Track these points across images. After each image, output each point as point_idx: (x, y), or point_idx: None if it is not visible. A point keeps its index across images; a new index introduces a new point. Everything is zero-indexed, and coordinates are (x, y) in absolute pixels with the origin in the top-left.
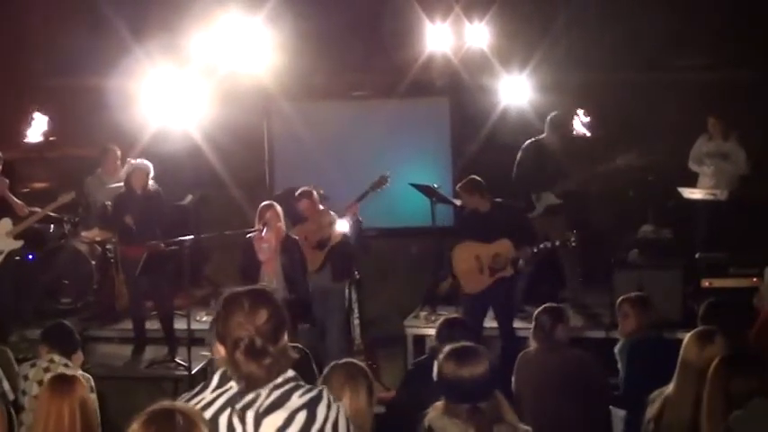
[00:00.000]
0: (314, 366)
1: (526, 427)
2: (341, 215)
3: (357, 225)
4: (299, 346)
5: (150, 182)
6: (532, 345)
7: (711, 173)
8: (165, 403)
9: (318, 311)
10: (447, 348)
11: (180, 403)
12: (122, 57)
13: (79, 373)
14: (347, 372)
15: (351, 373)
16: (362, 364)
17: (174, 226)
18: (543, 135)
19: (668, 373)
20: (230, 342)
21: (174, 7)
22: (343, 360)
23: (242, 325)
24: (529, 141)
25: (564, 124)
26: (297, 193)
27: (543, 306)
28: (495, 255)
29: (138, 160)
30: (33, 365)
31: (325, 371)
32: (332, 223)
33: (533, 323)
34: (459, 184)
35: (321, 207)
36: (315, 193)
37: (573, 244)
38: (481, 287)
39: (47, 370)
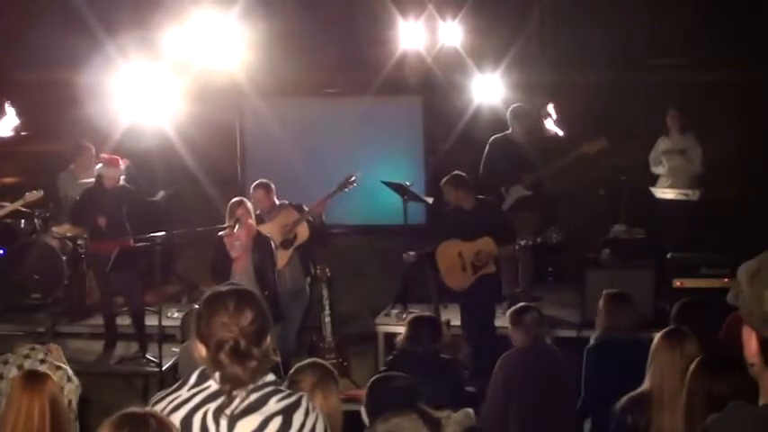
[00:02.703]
0: (280, 367)
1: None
2: (308, 213)
3: (320, 223)
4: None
5: (121, 179)
6: (517, 344)
7: (667, 171)
8: (137, 408)
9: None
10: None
11: (151, 409)
12: (95, 51)
13: (56, 363)
14: (316, 373)
15: (320, 374)
16: (326, 362)
17: (146, 222)
18: (509, 130)
19: (633, 373)
20: (214, 343)
21: (147, 2)
22: (308, 361)
23: (226, 326)
24: (496, 136)
25: (526, 116)
26: (254, 184)
27: (521, 305)
28: (477, 252)
29: (113, 159)
30: (14, 352)
31: (291, 372)
32: (297, 222)
33: (515, 322)
34: (444, 179)
35: (278, 202)
36: (272, 186)
37: (555, 240)
38: (465, 285)
39: (27, 356)
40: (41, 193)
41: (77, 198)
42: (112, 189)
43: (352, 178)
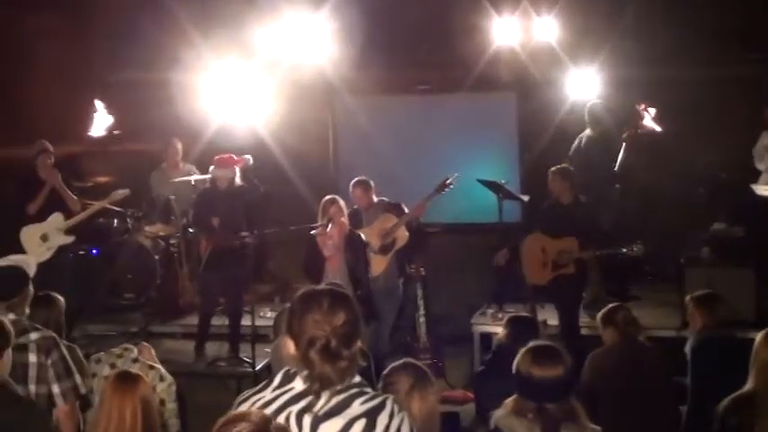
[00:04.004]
0: (372, 369)
1: (595, 427)
2: (406, 217)
3: (417, 226)
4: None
5: (237, 180)
6: (607, 342)
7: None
8: (256, 411)
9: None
10: (530, 344)
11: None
12: (186, 50)
13: (149, 363)
14: (412, 375)
15: (416, 376)
16: (420, 363)
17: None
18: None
19: (736, 373)
20: (305, 340)
21: (239, 0)
22: (401, 362)
23: (319, 324)
24: (580, 137)
25: (599, 114)
26: (352, 182)
27: (614, 305)
28: (560, 251)
29: (223, 159)
30: (107, 351)
31: (385, 374)
32: (395, 227)
33: (606, 321)
34: (553, 168)
35: (376, 199)
36: (371, 183)
37: (638, 254)
38: (542, 280)
39: (120, 355)
40: (128, 191)
41: (170, 198)
42: (226, 190)
43: (449, 180)
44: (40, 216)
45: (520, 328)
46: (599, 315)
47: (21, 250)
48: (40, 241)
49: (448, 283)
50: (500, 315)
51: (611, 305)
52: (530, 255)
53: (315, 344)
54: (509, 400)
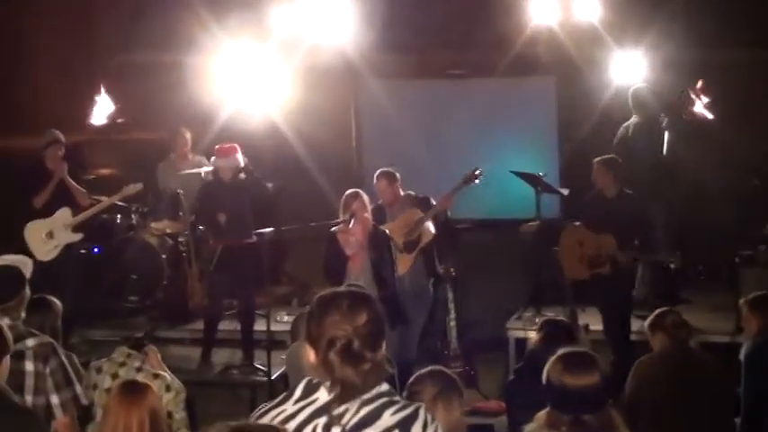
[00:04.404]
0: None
1: None
2: (432, 210)
3: (445, 220)
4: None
5: (241, 173)
6: (656, 349)
7: None
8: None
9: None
10: (560, 351)
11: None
12: (197, 31)
13: (154, 371)
14: (437, 383)
15: (442, 384)
16: (450, 371)
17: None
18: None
19: None
20: (324, 342)
21: None
22: (428, 369)
23: (338, 324)
24: (625, 125)
25: (644, 99)
26: (377, 173)
27: (662, 309)
28: (597, 247)
29: (224, 148)
30: (108, 359)
31: (410, 382)
32: (420, 221)
33: (655, 326)
34: (598, 158)
35: (402, 193)
36: (397, 175)
37: (672, 266)
38: (579, 276)
39: (122, 364)
40: (141, 186)
41: (178, 191)
42: (231, 182)
43: (478, 171)
44: (47, 211)
45: (554, 333)
46: (647, 320)
47: (24, 248)
48: (46, 238)
49: (481, 285)
50: (537, 319)
51: (659, 309)
52: (567, 246)
53: (335, 344)
54: (541, 413)
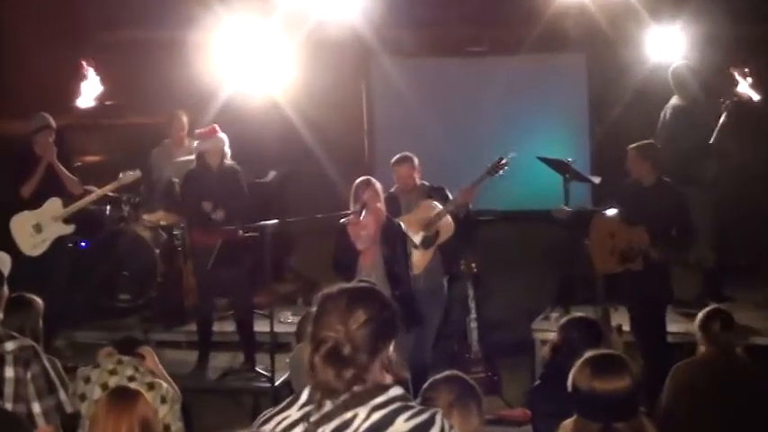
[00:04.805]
0: (409, 381)
1: None
2: (451, 204)
3: (465, 215)
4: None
5: (227, 156)
6: (699, 352)
7: None
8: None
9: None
10: (586, 354)
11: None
12: (194, 5)
13: (148, 381)
14: (454, 389)
15: (458, 390)
16: (469, 376)
17: (255, 208)
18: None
19: None
20: (314, 343)
21: None
22: (444, 374)
23: (331, 325)
24: (667, 106)
25: (685, 78)
26: (396, 158)
27: (713, 308)
28: (629, 241)
29: (206, 130)
30: (97, 367)
31: (425, 388)
32: (439, 216)
33: (700, 327)
34: (632, 145)
35: (419, 182)
36: (417, 162)
37: (710, 266)
38: (610, 271)
39: (113, 372)
40: (138, 173)
41: (173, 180)
42: (219, 168)
43: (503, 161)
44: (35, 201)
45: (579, 334)
46: (697, 320)
47: (10, 242)
48: (33, 231)
49: (504, 282)
50: (563, 319)
51: (709, 308)
52: (597, 237)
53: (320, 347)
54: (568, 422)
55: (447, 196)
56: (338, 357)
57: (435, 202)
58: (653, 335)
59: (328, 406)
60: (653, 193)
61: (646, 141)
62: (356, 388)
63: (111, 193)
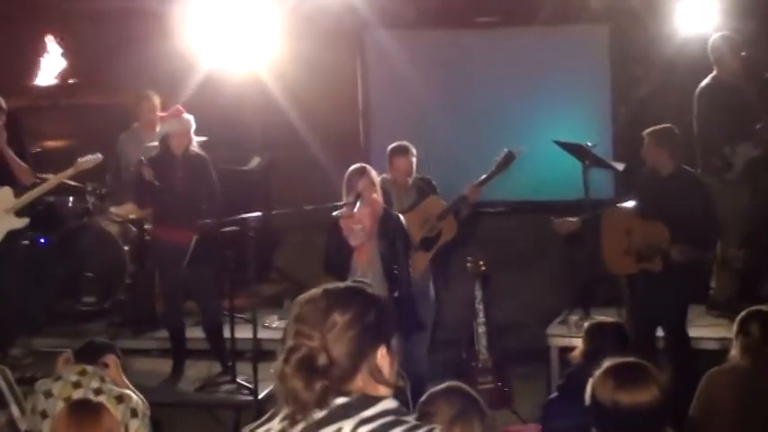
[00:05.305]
0: (408, 392)
1: None
2: (457, 202)
3: (468, 213)
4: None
5: (194, 142)
6: (733, 359)
7: None
8: None
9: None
10: (606, 363)
11: None
12: None
13: (116, 393)
14: (455, 403)
15: (461, 404)
16: (473, 388)
17: (234, 199)
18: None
19: None
20: (285, 353)
21: None
22: (444, 385)
23: (302, 332)
24: (702, 85)
25: (733, 47)
26: (393, 147)
27: (753, 309)
28: (646, 237)
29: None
30: (58, 379)
31: (422, 401)
32: (443, 214)
33: (739, 330)
34: (648, 129)
35: (413, 177)
36: (414, 152)
37: (737, 266)
38: (624, 271)
39: (77, 385)
40: (99, 157)
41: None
42: (184, 154)
43: (513, 154)
44: None
45: (602, 341)
46: (736, 321)
47: None
48: None
49: (516, 282)
50: (585, 323)
51: (749, 309)
52: (610, 235)
53: (291, 357)
54: None
55: (436, 189)
56: (310, 367)
57: (440, 199)
58: (678, 342)
59: (301, 422)
60: (671, 184)
61: (663, 126)
62: (339, 400)
63: (72, 183)
